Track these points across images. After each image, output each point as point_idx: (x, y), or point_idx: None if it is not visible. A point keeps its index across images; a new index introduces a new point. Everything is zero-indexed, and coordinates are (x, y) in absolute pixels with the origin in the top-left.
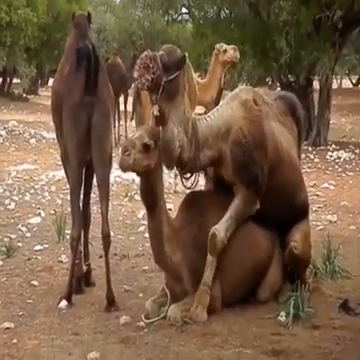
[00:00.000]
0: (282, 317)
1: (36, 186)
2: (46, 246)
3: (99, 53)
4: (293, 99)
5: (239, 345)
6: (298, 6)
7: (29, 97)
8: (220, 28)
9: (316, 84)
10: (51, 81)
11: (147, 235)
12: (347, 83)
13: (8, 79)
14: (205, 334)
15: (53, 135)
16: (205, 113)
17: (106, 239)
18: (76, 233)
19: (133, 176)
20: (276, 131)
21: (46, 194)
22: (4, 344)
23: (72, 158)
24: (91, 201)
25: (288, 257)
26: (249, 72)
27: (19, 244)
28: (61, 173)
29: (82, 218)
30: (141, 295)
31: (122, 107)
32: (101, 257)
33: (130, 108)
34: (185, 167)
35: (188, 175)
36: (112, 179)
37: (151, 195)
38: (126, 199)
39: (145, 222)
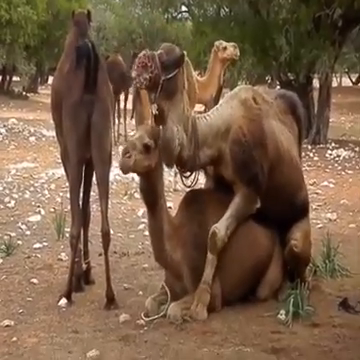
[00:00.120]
0: (282, 315)
1: (36, 184)
2: (46, 244)
3: (99, 51)
4: (293, 98)
5: (239, 343)
6: (298, 4)
7: (29, 95)
8: (220, 26)
9: (316, 82)
10: (51, 79)
11: (147, 233)
12: (347, 81)
13: (8, 77)
14: (205, 332)
15: (53, 133)
16: (205, 111)
17: (106, 237)
18: (76, 231)
19: (133, 174)
20: (276, 130)
21: (46, 192)
22: (4, 342)
23: (72, 156)
24: (91, 199)
25: (288, 255)
26: (249, 70)
27: (19, 242)
28: (61, 171)
29: (82, 216)
30: (141, 293)
31: (122, 105)
32: (101, 255)
33: (130, 106)
34: (185, 165)
35: (188, 173)
36: (112, 177)
37: (152, 194)
38: (126, 197)
39: (145, 220)
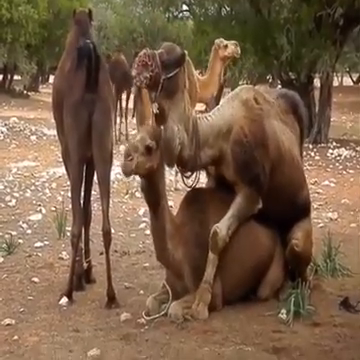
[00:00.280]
0: (283, 315)
1: (37, 183)
2: (47, 243)
3: (100, 51)
4: (295, 97)
5: (240, 342)
6: (299, 3)
7: (30, 94)
8: (221, 25)
9: (317, 82)
10: (52, 78)
11: (148, 232)
12: (348, 81)
13: (9, 76)
14: (206, 331)
15: (54, 132)
16: (206, 110)
17: (107, 236)
18: (77, 230)
19: None
20: (277, 130)
21: (47, 191)
22: (5, 341)
23: (73, 155)
24: (92, 198)
25: (289, 255)
26: (250, 69)
27: (20, 241)
28: (62, 170)
29: (83, 215)
30: (142, 292)
31: (125, 104)
32: (102, 254)
33: (132, 105)
34: (186, 165)
35: (189, 174)
36: (113, 176)
37: (154, 194)
38: (127, 196)
39: (146, 219)
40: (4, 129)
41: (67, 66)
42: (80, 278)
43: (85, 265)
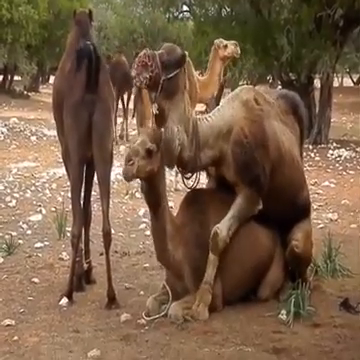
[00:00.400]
0: (283, 315)
1: (37, 183)
2: (47, 243)
3: (100, 52)
4: (295, 98)
5: (240, 343)
6: (299, 4)
7: (30, 94)
8: (221, 26)
9: (317, 82)
10: (52, 78)
11: (148, 233)
12: (348, 81)
13: (9, 76)
14: (206, 332)
15: (54, 132)
16: (206, 110)
17: (107, 237)
18: (77, 230)
19: None
20: (278, 130)
21: (47, 191)
22: (5, 341)
23: (73, 156)
24: (92, 199)
25: (289, 256)
26: (250, 70)
27: (20, 241)
28: (62, 170)
29: (83, 215)
30: (142, 293)
31: (126, 105)
32: (102, 255)
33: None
34: (186, 166)
35: (189, 174)
36: (113, 177)
37: (154, 196)
38: (127, 197)
39: (146, 219)
40: (4, 130)
41: (67, 67)
42: (80, 279)
43: (85, 266)
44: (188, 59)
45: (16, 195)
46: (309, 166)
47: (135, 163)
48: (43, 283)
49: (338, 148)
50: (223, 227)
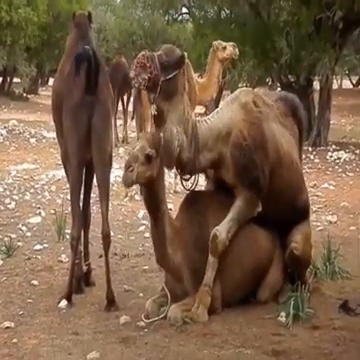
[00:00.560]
0: (282, 317)
1: (36, 185)
2: (46, 246)
3: (100, 55)
4: (294, 100)
5: (239, 345)
6: (298, 6)
7: (29, 96)
8: (220, 28)
9: (316, 84)
10: (51, 81)
11: (147, 235)
12: (347, 84)
13: (8, 78)
14: (205, 334)
15: (53, 134)
16: (205, 113)
17: (106, 239)
18: (76, 233)
19: None
20: (277, 132)
21: (46, 194)
22: (4, 343)
23: (72, 158)
24: (91, 201)
25: (289, 258)
26: (249, 72)
27: (19, 243)
28: (61, 173)
29: (82, 218)
30: (141, 295)
31: (125, 106)
32: (101, 257)
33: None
34: (185, 168)
35: (188, 177)
36: (112, 179)
37: (154, 201)
38: (126, 199)
39: (145, 222)
40: (3, 132)
41: (67, 69)
42: (79, 281)
43: (84, 268)
44: (187, 61)
45: (15, 197)
46: (308, 168)
47: (134, 169)
48: (42, 285)
49: (337, 150)
50: (222, 229)
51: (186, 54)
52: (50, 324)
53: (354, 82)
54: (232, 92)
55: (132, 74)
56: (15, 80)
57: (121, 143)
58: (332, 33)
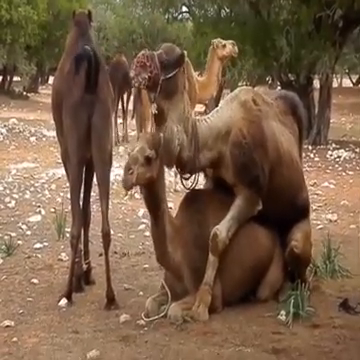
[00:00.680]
0: (282, 316)
1: (36, 184)
2: (46, 244)
3: (100, 54)
4: (294, 98)
5: (239, 344)
6: (298, 5)
7: (29, 95)
8: (220, 27)
9: (316, 83)
10: (51, 79)
11: (147, 233)
12: (347, 82)
13: (8, 77)
14: (205, 333)
15: (53, 133)
16: (205, 112)
17: (106, 237)
18: (76, 231)
19: None
20: (276, 131)
21: (46, 192)
22: (4, 342)
23: (72, 156)
24: (91, 199)
25: (289, 256)
26: (249, 71)
27: (19, 242)
28: (61, 171)
29: (82, 216)
30: (141, 293)
31: (126, 105)
32: (101, 255)
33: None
34: (185, 167)
35: (188, 175)
36: (112, 177)
37: (154, 201)
38: (126, 197)
39: (145, 220)
40: (3, 130)
41: (67, 67)
42: (79, 279)
43: (84, 266)
44: (187, 60)
45: (15, 196)
46: (308, 167)
47: (134, 171)
48: (42, 284)
49: (337, 149)
50: (222, 228)
51: (186, 53)
52: (50, 323)
53: (354, 81)
54: (232, 91)
55: (132, 73)
56: (15, 79)
57: (121, 142)
58: (332, 32)
